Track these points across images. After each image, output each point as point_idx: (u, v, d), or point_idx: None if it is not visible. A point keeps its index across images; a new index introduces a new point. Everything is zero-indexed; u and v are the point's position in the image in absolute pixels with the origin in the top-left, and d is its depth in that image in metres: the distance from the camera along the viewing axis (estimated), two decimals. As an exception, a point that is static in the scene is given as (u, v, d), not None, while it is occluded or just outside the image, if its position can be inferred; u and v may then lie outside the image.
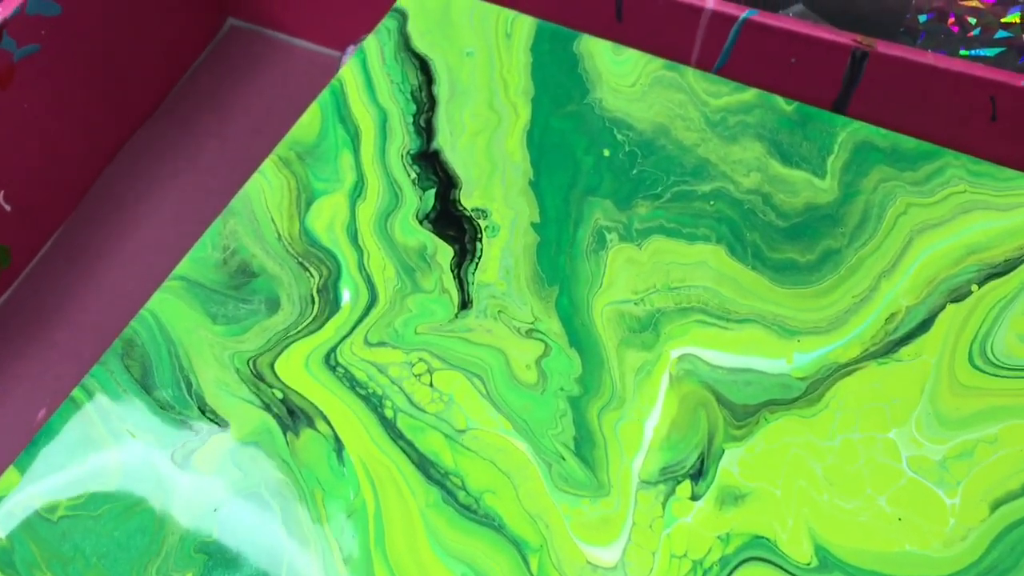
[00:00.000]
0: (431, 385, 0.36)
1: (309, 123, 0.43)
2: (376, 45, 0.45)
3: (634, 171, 0.41)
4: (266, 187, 0.41)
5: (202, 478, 0.34)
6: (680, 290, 0.38)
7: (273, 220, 0.40)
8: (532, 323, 0.37)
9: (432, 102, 0.43)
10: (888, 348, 0.36)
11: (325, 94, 0.44)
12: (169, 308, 0.37)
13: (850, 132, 0.42)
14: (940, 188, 0.40)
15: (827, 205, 0.40)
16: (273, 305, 0.37)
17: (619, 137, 0.42)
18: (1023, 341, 0.36)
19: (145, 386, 0.36)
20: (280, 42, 0.66)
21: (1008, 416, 0.35)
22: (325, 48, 0.64)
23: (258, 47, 0.66)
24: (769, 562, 0.32)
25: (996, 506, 0.33)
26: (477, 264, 0.38)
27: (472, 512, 0.33)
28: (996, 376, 0.35)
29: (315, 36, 0.65)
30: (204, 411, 0.35)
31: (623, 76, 0.44)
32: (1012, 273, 0.38)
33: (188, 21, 0.63)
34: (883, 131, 0.42)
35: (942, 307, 0.37)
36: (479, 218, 0.40)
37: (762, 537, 0.32)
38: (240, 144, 0.60)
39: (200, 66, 0.65)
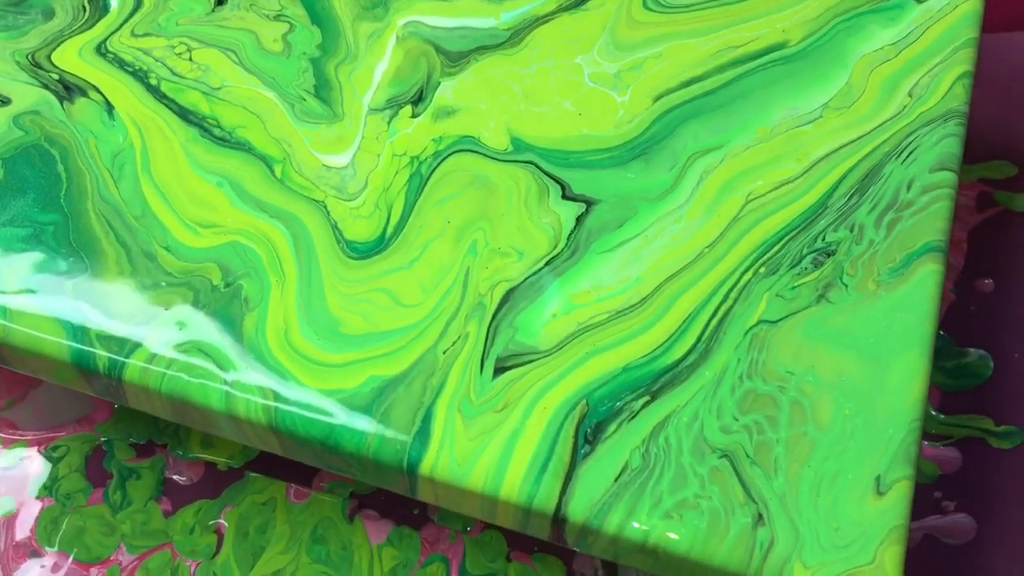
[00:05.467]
0: (190, 59, 0.41)
1: None
2: None
3: None
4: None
5: (-11, 140, 0.39)
6: (407, -23, 0.44)
7: (46, -47, 0.45)
8: (280, 10, 0.43)
9: None
10: (579, 1, 0.43)
11: None
12: (-45, 28, 0.42)
13: None
14: None
15: (533, -92, 0.47)
16: (49, 13, 0.43)
17: None
18: (688, -13, 0.44)
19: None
20: None
21: (673, 39, 0.42)
22: None
23: None
24: (473, 151, 0.39)
25: (658, 98, 0.40)
26: (231, -28, 0.44)
27: (225, 142, 0.39)
28: (665, 14, 0.43)
29: None
30: (-12, 94, 0.40)
31: None
32: (682, -59, 0.45)
33: None
34: None
35: (624, -31, 0.44)
36: (232, -61, 0.45)
37: (469, 136, 0.39)
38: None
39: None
